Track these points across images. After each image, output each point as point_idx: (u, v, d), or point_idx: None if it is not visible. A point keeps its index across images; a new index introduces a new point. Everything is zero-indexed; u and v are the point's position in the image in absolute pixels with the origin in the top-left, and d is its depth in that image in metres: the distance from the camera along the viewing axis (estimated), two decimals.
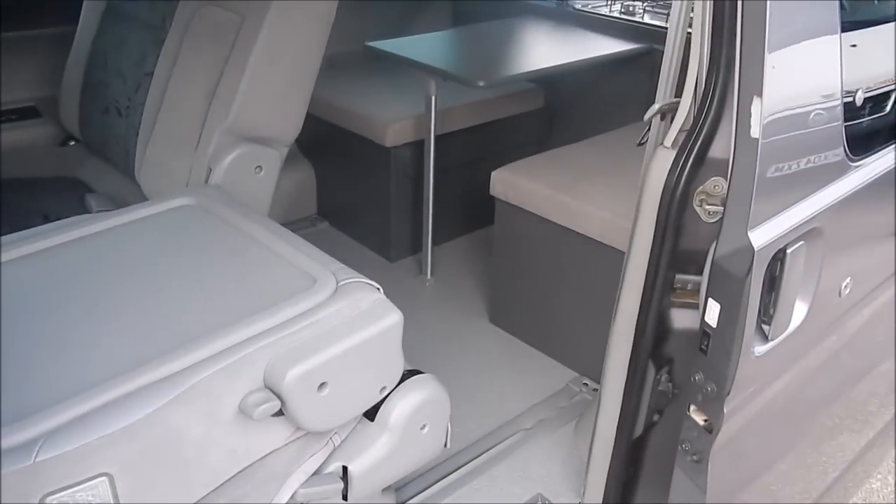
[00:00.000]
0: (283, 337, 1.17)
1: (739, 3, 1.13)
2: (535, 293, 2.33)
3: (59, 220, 1.99)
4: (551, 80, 2.87)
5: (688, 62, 1.29)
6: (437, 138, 2.52)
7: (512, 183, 2.24)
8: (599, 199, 2.09)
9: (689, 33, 1.28)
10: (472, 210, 3.02)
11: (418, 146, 2.71)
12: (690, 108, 1.31)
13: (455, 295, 2.66)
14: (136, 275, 1.33)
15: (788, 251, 1.20)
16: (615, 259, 2.04)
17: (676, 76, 1.42)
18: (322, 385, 1.18)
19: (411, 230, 2.86)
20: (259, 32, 1.75)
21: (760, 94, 1.11)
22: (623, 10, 2.94)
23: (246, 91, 1.78)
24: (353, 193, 2.95)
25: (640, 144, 1.51)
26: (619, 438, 1.52)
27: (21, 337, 1.16)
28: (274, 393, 1.14)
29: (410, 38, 2.65)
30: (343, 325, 1.23)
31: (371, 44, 2.50)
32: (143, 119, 1.99)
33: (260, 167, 1.84)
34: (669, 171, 1.27)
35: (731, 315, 1.19)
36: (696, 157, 1.26)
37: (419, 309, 2.59)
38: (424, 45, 2.61)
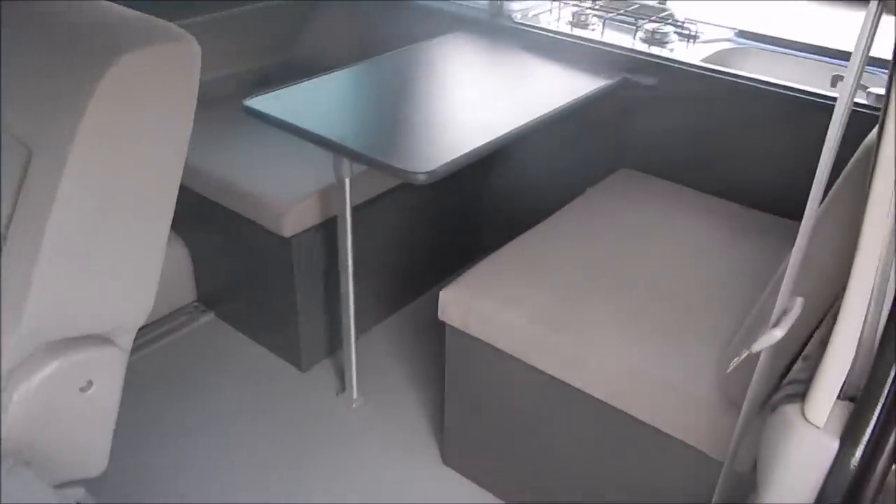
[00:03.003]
0: None
1: None
2: (508, 445, 1.71)
3: None
4: None
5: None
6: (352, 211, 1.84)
7: (473, 309, 1.59)
8: (602, 339, 1.48)
9: None
10: (398, 285, 2.38)
11: (328, 226, 2.03)
12: (858, 352, 0.73)
13: (392, 421, 2.02)
14: None
15: None
16: (626, 426, 1.45)
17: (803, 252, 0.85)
18: None
19: (326, 327, 2.20)
20: (60, 177, 0.96)
21: None
22: (573, 20, 2.30)
23: (47, 273, 1.00)
24: (246, 284, 2.23)
25: (731, 372, 0.93)
26: None
27: None
28: None
29: (304, 84, 1.91)
30: None
31: (249, 104, 1.77)
32: None
33: (90, 381, 1.10)
34: (831, 471, 0.72)
35: None
36: (883, 449, 0.70)
37: (346, 447, 1.94)
38: (326, 98, 1.89)
